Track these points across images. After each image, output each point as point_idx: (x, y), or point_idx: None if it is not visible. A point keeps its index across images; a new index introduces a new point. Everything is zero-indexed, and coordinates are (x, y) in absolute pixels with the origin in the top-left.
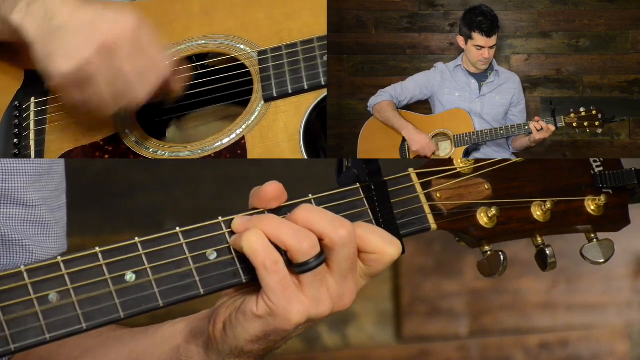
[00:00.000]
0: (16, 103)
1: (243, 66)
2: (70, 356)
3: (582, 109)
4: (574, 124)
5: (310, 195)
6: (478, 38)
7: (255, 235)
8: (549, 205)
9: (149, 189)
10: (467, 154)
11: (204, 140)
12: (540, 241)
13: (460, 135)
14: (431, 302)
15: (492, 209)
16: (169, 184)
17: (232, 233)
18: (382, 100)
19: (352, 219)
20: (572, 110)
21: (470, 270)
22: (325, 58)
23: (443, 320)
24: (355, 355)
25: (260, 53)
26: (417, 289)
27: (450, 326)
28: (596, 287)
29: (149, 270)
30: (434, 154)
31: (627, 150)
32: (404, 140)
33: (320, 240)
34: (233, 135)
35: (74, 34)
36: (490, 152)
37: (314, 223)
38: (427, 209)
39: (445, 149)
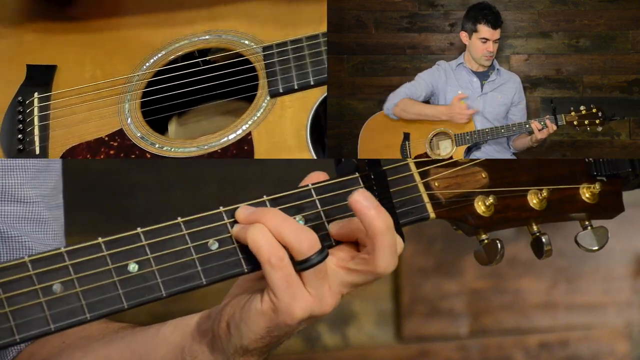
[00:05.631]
0: (19, 98)
1: (247, 61)
2: (73, 357)
3: (582, 107)
4: (575, 122)
5: (309, 185)
6: (484, 30)
7: (260, 232)
8: (545, 194)
9: (150, 189)
10: (468, 153)
11: (210, 135)
12: (536, 229)
13: (461, 134)
14: (431, 302)
15: (490, 198)
16: (169, 183)
17: (233, 223)
18: (401, 99)
19: None
20: (572, 108)
21: (470, 270)
22: None
23: (443, 320)
24: (355, 355)
25: (265, 48)
26: (417, 289)
27: (450, 326)
28: (596, 287)
29: (151, 260)
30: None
31: (627, 150)
32: (404, 140)
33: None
34: (239, 131)
35: None
36: (491, 152)
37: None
38: (425, 198)
39: (445, 148)
